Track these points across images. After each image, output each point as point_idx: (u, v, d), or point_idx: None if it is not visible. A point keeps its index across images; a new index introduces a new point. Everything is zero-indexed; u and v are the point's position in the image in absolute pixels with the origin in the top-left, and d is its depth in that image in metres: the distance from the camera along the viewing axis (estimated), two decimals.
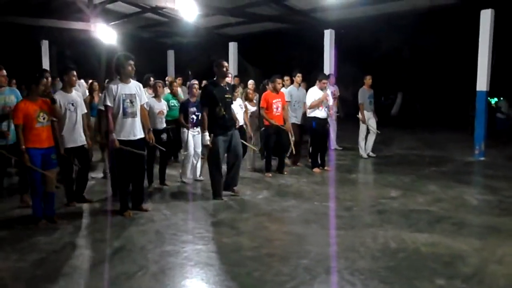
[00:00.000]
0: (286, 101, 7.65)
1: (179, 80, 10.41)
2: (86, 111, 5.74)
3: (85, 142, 5.58)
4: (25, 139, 4.70)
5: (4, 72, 5.19)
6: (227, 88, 6.01)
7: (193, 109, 6.62)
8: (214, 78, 5.95)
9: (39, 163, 4.78)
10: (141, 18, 12.77)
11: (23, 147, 4.69)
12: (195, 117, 6.64)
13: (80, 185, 5.73)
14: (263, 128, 7.69)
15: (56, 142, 5.10)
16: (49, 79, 5.92)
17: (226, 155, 6.08)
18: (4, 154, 5.25)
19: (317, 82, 7.75)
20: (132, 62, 5.07)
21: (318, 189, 6.57)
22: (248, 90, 8.18)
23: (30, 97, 4.87)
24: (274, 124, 7.34)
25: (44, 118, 4.83)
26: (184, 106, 6.74)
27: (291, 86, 8.12)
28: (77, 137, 5.42)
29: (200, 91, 6.38)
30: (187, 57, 17.53)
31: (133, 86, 5.16)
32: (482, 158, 8.99)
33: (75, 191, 5.66)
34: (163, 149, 6.34)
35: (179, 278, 3.58)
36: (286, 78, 8.37)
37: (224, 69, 5.88)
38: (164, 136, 6.54)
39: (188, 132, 6.63)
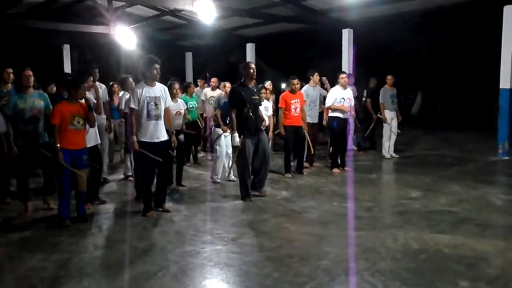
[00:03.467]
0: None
1: (200, 82, 10.63)
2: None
3: (99, 142, 5.64)
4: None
5: (29, 72, 5.28)
6: (255, 90, 6.04)
7: None
8: (242, 80, 5.99)
9: (68, 163, 4.88)
10: (159, 21, 12.89)
11: (58, 145, 4.80)
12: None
13: (93, 186, 5.63)
14: (277, 131, 7.66)
15: None
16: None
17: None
18: (42, 152, 5.30)
19: (338, 80, 7.73)
20: (158, 66, 5.15)
21: (338, 189, 6.53)
22: (262, 91, 8.16)
23: (69, 100, 4.99)
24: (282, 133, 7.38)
25: (78, 122, 4.94)
26: (226, 106, 6.76)
27: (307, 85, 8.08)
28: (90, 137, 5.39)
29: (228, 93, 6.40)
30: (205, 59, 17.63)
31: (158, 89, 5.22)
32: (506, 158, 8.80)
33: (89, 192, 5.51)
34: (174, 155, 6.31)
35: (199, 279, 3.60)
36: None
37: (251, 70, 5.92)
38: (181, 136, 6.59)
39: (222, 132, 6.70)
